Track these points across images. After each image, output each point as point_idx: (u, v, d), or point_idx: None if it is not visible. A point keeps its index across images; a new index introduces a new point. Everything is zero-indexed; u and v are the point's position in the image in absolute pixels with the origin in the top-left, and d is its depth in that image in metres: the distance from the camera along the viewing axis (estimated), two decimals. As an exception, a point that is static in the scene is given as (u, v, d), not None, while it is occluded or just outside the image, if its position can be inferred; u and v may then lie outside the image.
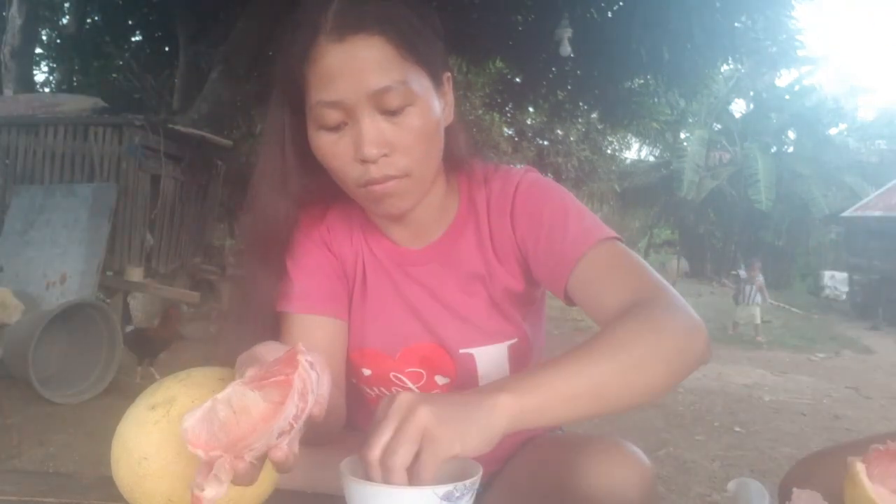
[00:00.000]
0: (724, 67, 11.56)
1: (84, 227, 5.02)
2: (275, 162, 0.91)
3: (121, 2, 10.25)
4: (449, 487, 0.61)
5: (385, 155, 0.83)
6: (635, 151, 23.70)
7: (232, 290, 1.00)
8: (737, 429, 4.38)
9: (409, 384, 0.97)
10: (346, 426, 0.94)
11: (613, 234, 0.89)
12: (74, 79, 11.26)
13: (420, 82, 0.84)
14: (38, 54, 11.61)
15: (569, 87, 9.66)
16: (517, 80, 10.42)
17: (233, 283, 1.04)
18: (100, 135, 5.54)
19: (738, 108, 22.19)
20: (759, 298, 8.44)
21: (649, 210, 22.24)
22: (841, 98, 21.36)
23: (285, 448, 0.57)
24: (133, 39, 10.80)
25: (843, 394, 5.76)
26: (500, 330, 0.96)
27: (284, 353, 0.62)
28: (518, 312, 0.97)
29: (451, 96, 0.92)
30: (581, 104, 10.55)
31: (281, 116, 0.90)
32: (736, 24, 7.23)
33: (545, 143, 17.06)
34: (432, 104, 0.86)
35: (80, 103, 6.20)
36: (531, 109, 13.43)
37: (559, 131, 16.62)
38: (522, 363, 0.97)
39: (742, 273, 9.07)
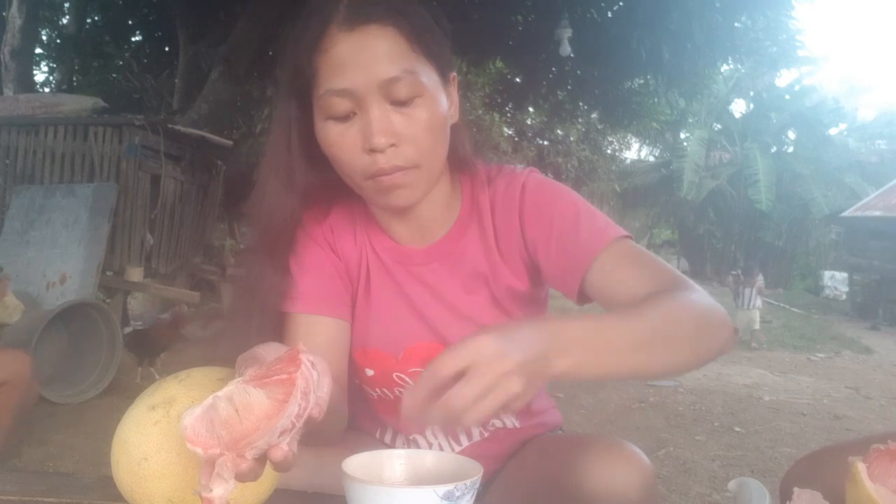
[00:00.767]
0: (724, 67, 11.55)
1: (84, 227, 5.02)
2: (280, 156, 0.91)
3: (121, 2, 10.26)
4: (450, 487, 0.61)
5: (393, 145, 0.83)
6: (635, 151, 23.70)
7: (234, 288, 0.99)
8: (737, 429, 4.38)
9: (413, 384, 0.96)
10: (348, 427, 0.94)
11: (625, 232, 0.90)
12: (74, 79, 11.26)
13: (429, 76, 0.85)
14: (38, 54, 11.61)
15: (569, 87, 9.66)
16: (517, 80, 10.41)
17: (235, 281, 1.03)
18: (100, 135, 5.54)
19: (738, 108, 22.22)
20: (758, 302, 8.33)
21: (649, 210, 22.25)
22: (841, 98, 21.40)
23: (285, 447, 0.57)
24: (133, 39, 10.80)
25: (843, 394, 5.75)
26: None
27: (286, 352, 0.62)
28: (521, 312, 0.97)
29: (456, 96, 0.93)
30: (581, 104, 10.55)
31: (287, 111, 0.90)
32: (736, 24, 7.23)
33: (545, 143, 17.06)
34: (440, 98, 0.86)
35: (80, 103, 6.19)
36: (531, 109, 13.43)
37: (559, 131, 16.61)
38: None
39: (741, 273, 9.01)
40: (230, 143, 6.94)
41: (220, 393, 0.58)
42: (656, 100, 9.61)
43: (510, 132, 16.29)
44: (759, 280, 8.46)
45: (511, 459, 1.02)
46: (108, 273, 5.35)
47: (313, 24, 0.84)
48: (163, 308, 5.58)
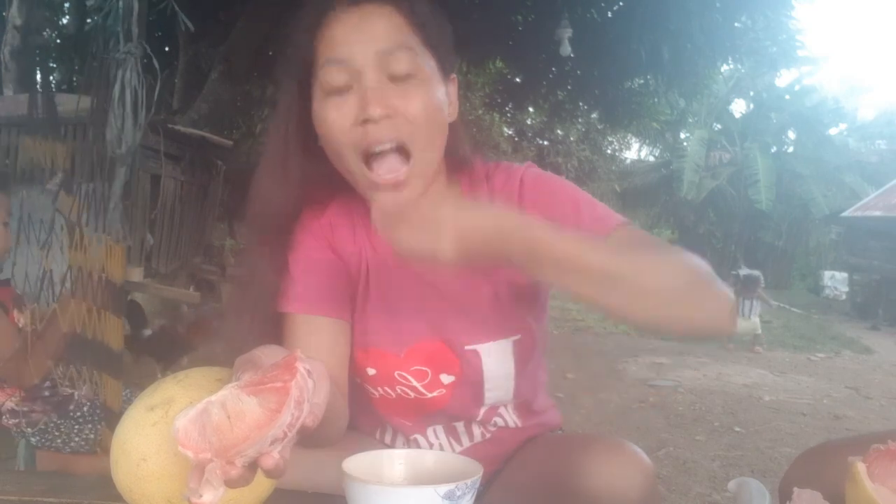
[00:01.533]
0: (724, 67, 11.56)
1: (84, 228, 5.02)
2: (278, 148, 0.91)
3: (121, 2, 10.24)
4: (450, 486, 0.61)
5: (388, 116, 0.83)
6: (635, 151, 23.71)
7: (232, 287, 0.99)
8: (737, 429, 4.38)
9: (415, 382, 0.96)
10: (348, 427, 0.93)
11: (625, 219, 0.90)
12: (74, 79, 11.25)
13: (427, 62, 0.86)
14: (38, 54, 11.59)
15: (569, 87, 9.65)
16: (517, 80, 10.41)
17: (233, 280, 1.04)
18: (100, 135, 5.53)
19: (738, 108, 22.20)
20: (758, 308, 8.19)
21: (649, 210, 22.23)
22: (841, 98, 21.37)
23: (276, 456, 0.57)
24: (133, 39, 10.79)
25: (843, 394, 5.75)
26: (505, 326, 0.95)
27: (282, 358, 0.61)
28: (522, 308, 0.97)
29: (455, 98, 0.93)
30: (581, 104, 10.54)
31: (287, 99, 0.91)
32: (736, 24, 7.23)
33: (545, 143, 17.08)
34: (438, 87, 0.87)
35: (79, 103, 6.19)
36: (531, 109, 13.44)
37: (559, 131, 16.64)
38: (526, 360, 0.97)
39: (742, 272, 8.92)
40: (230, 143, 6.95)
41: (213, 398, 0.58)
42: (656, 100, 9.61)
43: (510, 132, 16.30)
44: (760, 289, 8.37)
45: (511, 459, 1.02)
46: (108, 273, 5.34)
47: (315, 5, 0.86)
48: (163, 308, 5.57)
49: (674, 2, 6.35)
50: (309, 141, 0.90)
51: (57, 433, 2.05)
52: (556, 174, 0.99)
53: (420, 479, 0.72)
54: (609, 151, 19.80)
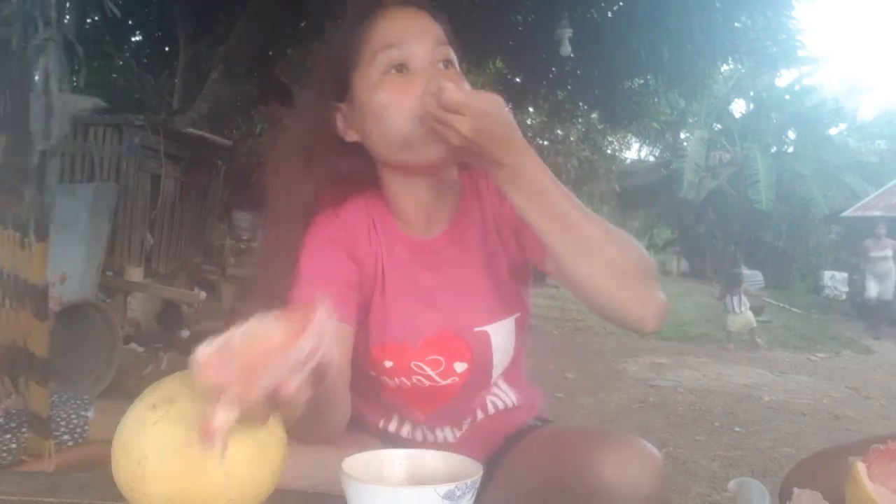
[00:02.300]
0: (724, 67, 11.57)
1: (84, 227, 5.02)
2: (299, 143, 0.96)
3: (121, 2, 10.24)
4: (451, 486, 0.61)
5: None
6: (635, 151, 23.72)
7: (238, 287, 1.02)
8: (737, 429, 4.38)
9: (430, 371, 0.99)
10: (350, 424, 0.95)
11: None
12: (74, 79, 11.25)
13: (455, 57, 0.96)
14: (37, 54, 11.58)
15: (569, 87, 9.67)
16: (517, 79, 10.42)
17: (237, 281, 1.06)
18: (100, 135, 5.53)
19: (738, 108, 22.25)
20: (746, 302, 8.15)
21: (649, 210, 22.27)
22: (841, 98, 21.40)
23: (295, 384, 0.58)
24: (133, 39, 10.79)
25: (843, 394, 5.75)
26: (509, 305, 1.01)
27: (302, 305, 0.63)
28: (518, 286, 1.03)
29: None
30: (581, 104, 10.56)
31: (321, 91, 0.97)
32: (736, 24, 7.24)
33: (545, 143, 17.07)
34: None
35: (79, 103, 6.18)
36: (531, 109, 13.44)
37: (559, 131, 16.64)
38: (522, 333, 1.05)
39: (725, 280, 8.86)
40: (230, 143, 6.94)
41: (236, 329, 0.59)
42: (656, 100, 9.63)
43: (510, 132, 16.25)
44: (744, 285, 8.35)
45: (511, 456, 1.03)
46: (108, 273, 5.34)
47: (363, 6, 0.94)
48: (163, 307, 5.58)
49: (674, 2, 6.36)
50: (330, 140, 0.95)
51: None
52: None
53: (420, 479, 0.72)
54: (609, 151, 19.80)
